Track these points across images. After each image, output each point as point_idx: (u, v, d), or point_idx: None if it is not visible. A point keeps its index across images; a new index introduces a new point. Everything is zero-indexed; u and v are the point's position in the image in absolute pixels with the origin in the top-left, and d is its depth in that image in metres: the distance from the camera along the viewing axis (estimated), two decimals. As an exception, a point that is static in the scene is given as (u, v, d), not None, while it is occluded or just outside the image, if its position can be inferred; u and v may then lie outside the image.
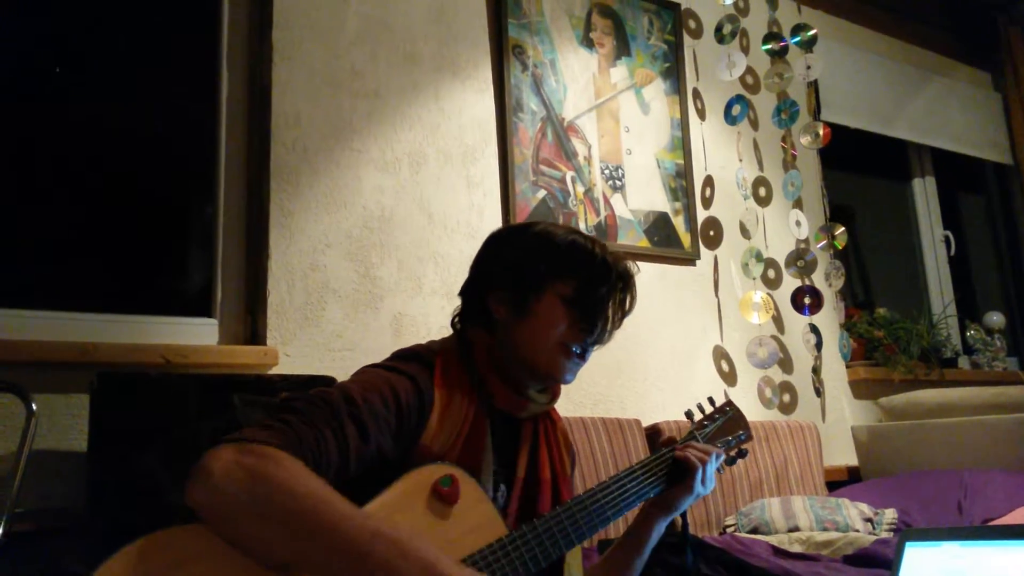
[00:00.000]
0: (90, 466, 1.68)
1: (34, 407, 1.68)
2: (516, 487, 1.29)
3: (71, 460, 1.80)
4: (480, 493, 1.17)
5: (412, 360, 1.26)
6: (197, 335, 2.11)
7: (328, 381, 1.94)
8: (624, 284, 1.32)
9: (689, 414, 1.54)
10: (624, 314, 1.34)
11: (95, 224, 2.19)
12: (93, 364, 1.80)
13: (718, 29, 3.20)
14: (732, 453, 1.53)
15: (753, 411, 2.99)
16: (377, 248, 2.33)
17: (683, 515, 1.46)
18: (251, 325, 2.17)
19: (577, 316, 1.28)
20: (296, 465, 0.99)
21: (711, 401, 1.58)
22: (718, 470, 1.49)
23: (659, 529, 1.40)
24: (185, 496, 0.96)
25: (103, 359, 1.85)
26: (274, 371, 2.08)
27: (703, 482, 1.39)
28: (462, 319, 1.38)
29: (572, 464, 1.47)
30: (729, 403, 1.59)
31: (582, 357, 1.32)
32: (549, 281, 1.29)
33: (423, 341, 1.37)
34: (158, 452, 1.65)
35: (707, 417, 1.55)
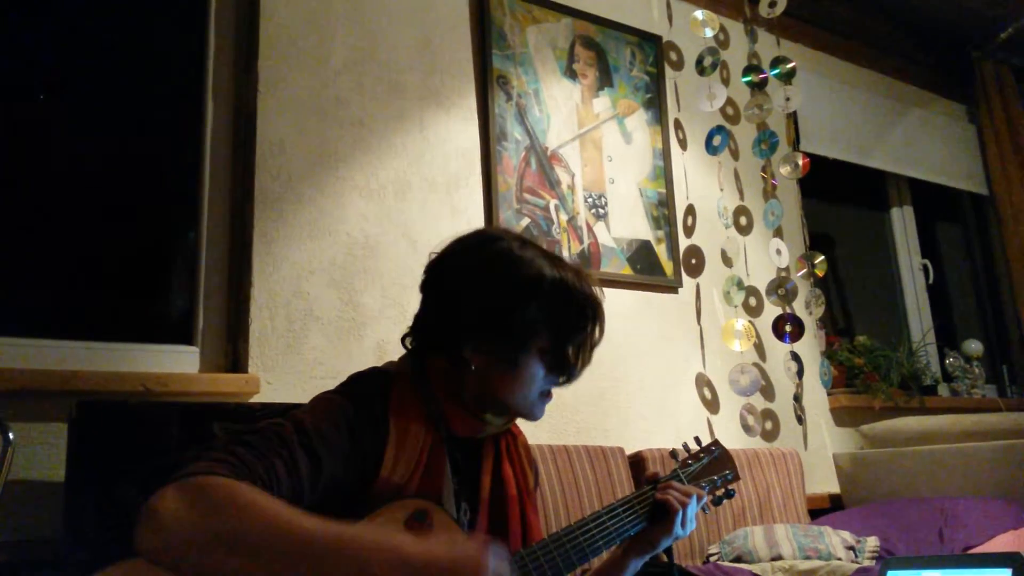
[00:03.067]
0: (68, 496, 1.65)
1: (11, 436, 1.65)
2: (482, 507, 1.28)
3: (48, 490, 1.77)
4: (452, 524, 1.16)
5: (365, 384, 1.24)
6: (178, 363, 2.10)
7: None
8: (596, 320, 1.29)
9: (674, 453, 1.54)
10: (594, 348, 1.31)
11: (75, 251, 2.18)
12: (72, 392, 1.78)
13: (699, 61, 3.25)
14: (719, 493, 1.53)
15: (736, 439, 2.99)
16: (361, 275, 2.34)
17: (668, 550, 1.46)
18: (233, 353, 2.16)
19: (554, 365, 1.27)
20: (242, 487, 0.96)
21: (697, 441, 1.59)
22: (703, 509, 1.49)
23: (635, 566, 1.40)
24: (135, 546, 0.92)
25: (82, 387, 1.83)
26: (256, 399, 2.06)
27: (683, 524, 1.38)
28: (419, 343, 1.31)
29: (536, 478, 1.45)
30: (715, 443, 1.59)
31: (551, 395, 1.32)
32: (534, 335, 1.24)
33: (389, 362, 1.34)
34: (137, 482, 1.62)
35: (691, 456, 1.54)
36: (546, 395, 1.30)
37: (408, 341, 1.32)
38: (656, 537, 1.38)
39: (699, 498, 1.42)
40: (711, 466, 1.53)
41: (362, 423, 1.17)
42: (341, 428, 1.14)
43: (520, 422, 1.38)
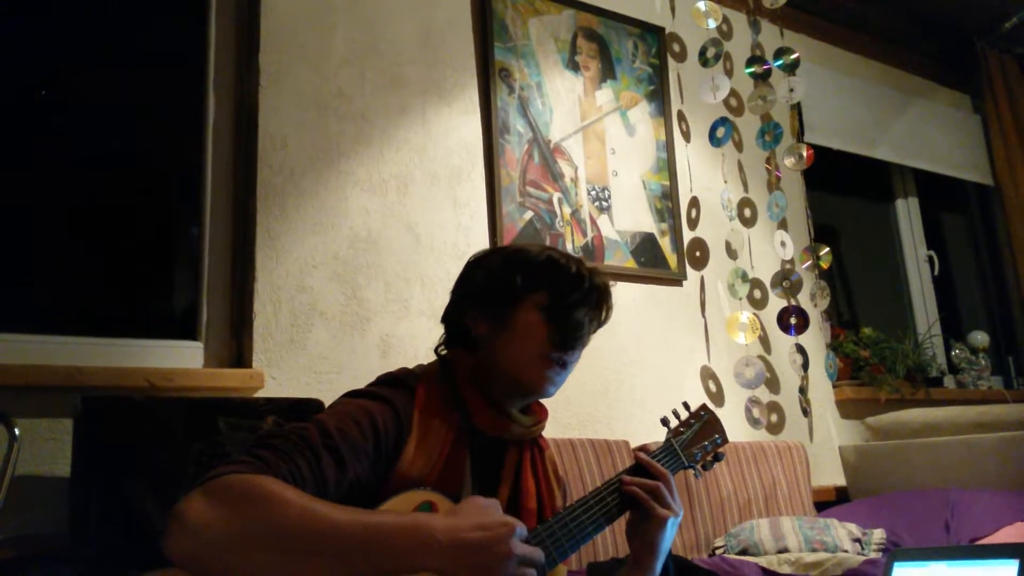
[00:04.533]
0: (73, 492, 1.66)
1: (16, 432, 1.66)
2: None
3: (54, 486, 1.78)
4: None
5: (393, 385, 1.25)
6: (182, 358, 2.10)
7: (315, 404, 1.93)
8: (599, 294, 1.32)
9: (665, 421, 1.52)
10: (600, 323, 1.34)
11: (79, 247, 2.18)
12: (77, 388, 1.78)
13: (702, 52, 3.23)
14: (708, 458, 1.52)
15: (741, 431, 2.99)
16: (364, 270, 2.33)
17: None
18: (237, 348, 2.16)
19: (554, 325, 1.28)
20: (266, 480, 0.97)
21: (686, 406, 1.57)
22: (695, 475, 1.48)
23: (657, 567, 1.33)
24: (166, 553, 0.93)
25: (87, 383, 1.83)
26: (260, 394, 2.06)
27: (667, 506, 1.32)
28: (445, 345, 1.38)
29: (564, 496, 1.44)
30: (704, 407, 1.57)
31: (564, 366, 1.30)
32: (524, 293, 1.29)
33: (410, 363, 1.37)
34: (143, 477, 1.63)
35: (683, 423, 1.53)
36: (554, 364, 1.28)
37: (438, 349, 1.38)
38: (647, 533, 1.31)
39: (666, 480, 1.35)
40: (701, 432, 1.52)
41: (387, 422, 1.18)
42: (365, 429, 1.15)
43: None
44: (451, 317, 1.38)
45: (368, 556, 0.94)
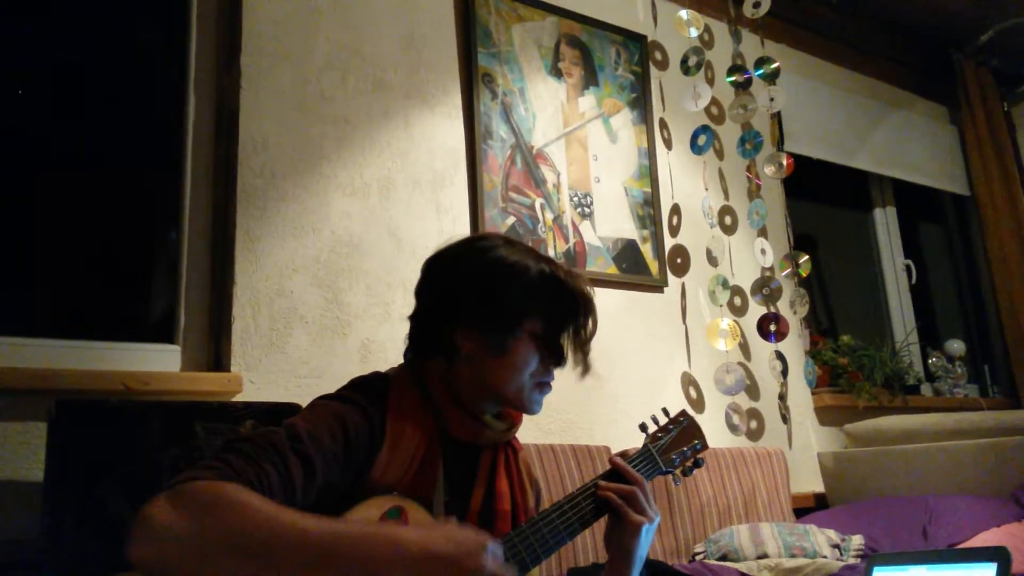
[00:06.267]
0: (47, 496, 1.63)
1: (-12, 435, 1.63)
2: (470, 519, 1.25)
3: (27, 490, 1.75)
4: (430, 520, 1.15)
5: (366, 390, 1.23)
6: (159, 362, 2.07)
7: (294, 408, 1.91)
8: (588, 312, 1.31)
9: (643, 426, 1.51)
10: (589, 340, 1.33)
11: (55, 248, 2.15)
12: (51, 391, 1.75)
13: (684, 61, 3.25)
14: (688, 464, 1.51)
15: (721, 438, 3.00)
16: (345, 274, 2.32)
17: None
18: (215, 351, 2.13)
19: (548, 352, 1.28)
20: (232, 487, 0.95)
21: (665, 412, 1.56)
22: (674, 481, 1.47)
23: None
24: (130, 558, 0.90)
25: (61, 386, 1.80)
26: (238, 398, 2.04)
27: (641, 511, 1.30)
28: (415, 347, 1.33)
29: (537, 498, 1.44)
30: (683, 413, 1.57)
31: (550, 386, 1.32)
32: (523, 319, 1.26)
33: (392, 367, 1.35)
34: (118, 482, 1.60)
35: (661, 429, 1.52)
36: (543, 387, 1.30)
37: (406, 352, 1.34)
38: (622, 540, 1.29)
39: (641, 486, 1.33)
40: (680, 437, 1.51)
41: (359, 427, 1.16)
42: (336, 433, 1.13)
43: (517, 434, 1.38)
44: (429, 323, 1.32)
45: (336, 565, 0.92)
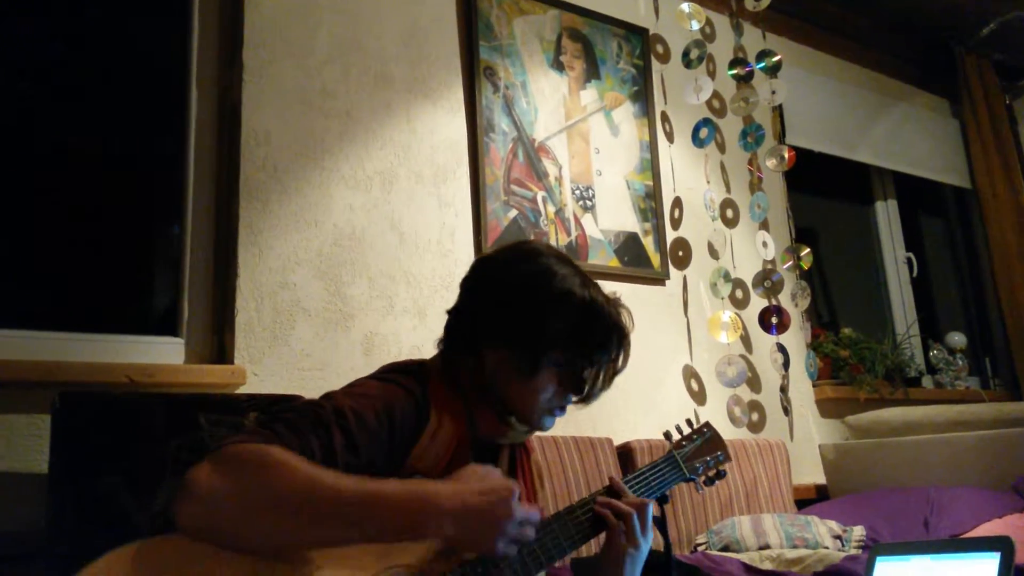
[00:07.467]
0: (51, 488, 1.63)
1: (-7, 427, 1.63)
2: None
3: (32, 482, 1.75)
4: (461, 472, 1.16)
5: (409, 374, 1.24)
6: (163, 354, 2.08)
7: (297, 401, 1.91)
8: (621, 347, 1.29)
9: (668, 435, 1.54)
10: (616, 375, 1.31)
11: (59, 241, 2.16)
12: (56, 383, 1.76)
13: (685, 54, 3.25)
14: (711, 474, 1.54)
15: (723, 430, 2.95)
16: (348, 267, 2.32)
17: (666, 537, 1.44)
18: (218, 344, 2.14)
19: (570, 383, 1.27)
20: (274, 449, 0.97)
21: (689, 423, 1.59)
22: (697, 488, 1.48)
23: None
24: (176, 522, 0.93)
25: (66, 378, 1.81)
26: (241, 390, 2.05)
27: (629, 537, 1.27)
28: (447, 342, 1.33)
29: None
30: (707, 425, 1.60)
31: (564, 410, 1.31)
32: (552, 347, 1.24)
33: (394, 360, 1.34)
34: (122, 474, 1.61)
35: (685, 437, 1.55)
36: (559, 410, 1.29)
37: (439, 341, 1.34)
38: (610, 563, 1.26)
39: (642, 510, 1.30)
40: (703, 447, 1.53)
41: (406, 412, 1.17)
42: (381, 416, 1.13)
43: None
44: (463, 326, 1.31)
45: (374, 521, 0.96)
